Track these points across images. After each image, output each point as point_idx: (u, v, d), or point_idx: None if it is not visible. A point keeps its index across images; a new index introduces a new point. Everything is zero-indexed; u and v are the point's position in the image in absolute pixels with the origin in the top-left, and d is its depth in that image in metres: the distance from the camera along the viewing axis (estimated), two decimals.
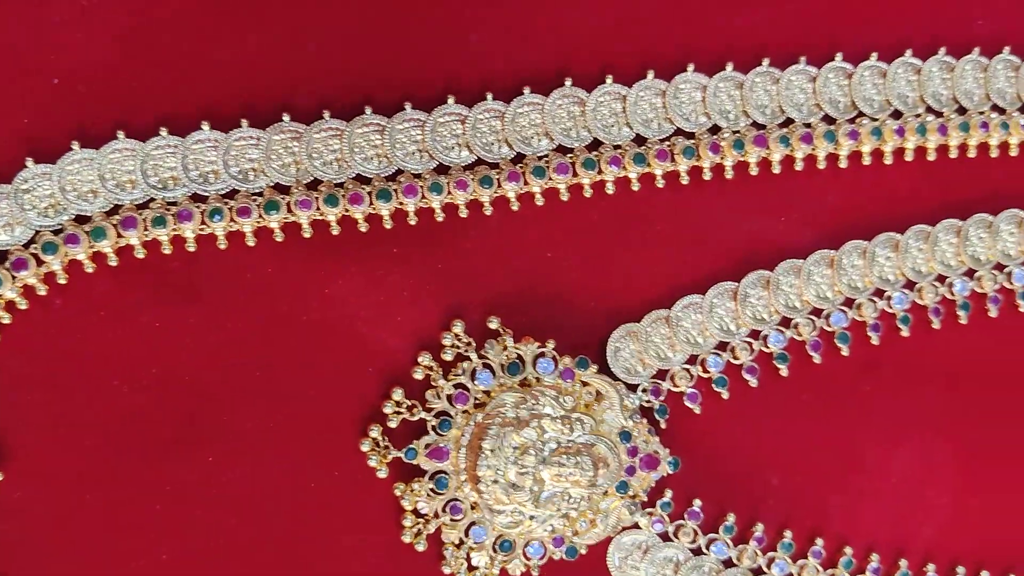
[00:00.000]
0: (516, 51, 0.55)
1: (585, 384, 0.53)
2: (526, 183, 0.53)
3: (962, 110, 0.60)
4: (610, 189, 0.54)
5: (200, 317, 0.51)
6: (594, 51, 0.56)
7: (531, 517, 0.51)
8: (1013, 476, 0.59)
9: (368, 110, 0.52)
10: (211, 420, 0.50)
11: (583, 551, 0.53)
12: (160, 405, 0.50)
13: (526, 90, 0.53)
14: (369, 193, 0.51)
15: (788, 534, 0.56)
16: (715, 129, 0.55)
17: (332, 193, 0.51)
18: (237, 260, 0.51)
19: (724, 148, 0.55)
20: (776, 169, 0.56)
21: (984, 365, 0.59)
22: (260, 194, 0.51)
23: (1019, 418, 0.59)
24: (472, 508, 0.52)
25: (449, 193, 0.52)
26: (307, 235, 0.51)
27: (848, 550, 0.56)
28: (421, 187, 0.52)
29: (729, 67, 0.56)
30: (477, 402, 0.52)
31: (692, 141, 0.55)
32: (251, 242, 0.51)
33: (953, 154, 0.59)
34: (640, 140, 0.55)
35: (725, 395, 0.55)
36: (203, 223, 0.50)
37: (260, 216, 0.50)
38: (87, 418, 0.50)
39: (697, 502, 0.54)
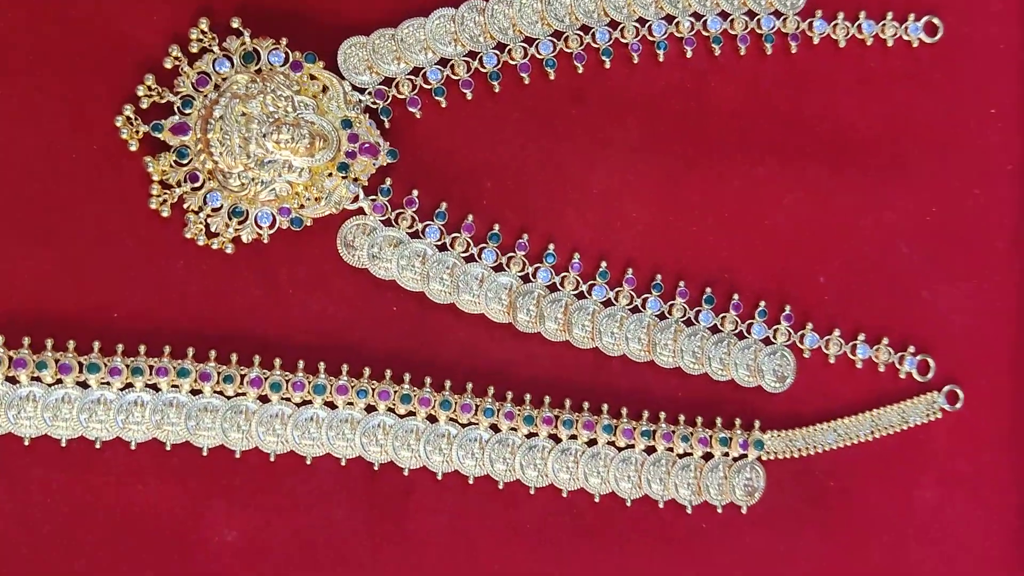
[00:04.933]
0: None
1: (313, 78, 0.62)
2: None
3: None
4: None
5: None
6: None
7: (257, 181, 0.60)
8: (704, 198, 0.67)
9: None
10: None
11: (308, 223, 0.61)
12: None
13: None
14: None
15: (496, 226, 0.65)
16: None
17: None
18: None
19: None
20: None
21: (680, 100, 0.67)
22: None
23: (708, 149, 0.66)
24: (209, 177, 0.61)
25: None
26: None
27: (551, 246, 0.65)
28: None
29: None
30: (216, 87, 0.61)
31: None
32: None
33: None
34: None
35: (444, 103, 0.64)
36: None
37: None
38: None
39: (415, 192, 0.63)
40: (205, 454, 0.61)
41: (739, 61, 0.68)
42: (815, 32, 0.69)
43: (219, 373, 0.61)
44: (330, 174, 0.62)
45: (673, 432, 0.66)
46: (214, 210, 0.61)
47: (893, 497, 0.70)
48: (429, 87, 0.64)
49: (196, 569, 0.62)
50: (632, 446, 0.66)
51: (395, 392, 0.63)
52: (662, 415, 0.66)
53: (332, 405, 0.62)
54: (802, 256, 0.69)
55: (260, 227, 0.61)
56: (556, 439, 0.65)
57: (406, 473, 0.63)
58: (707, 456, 0.67)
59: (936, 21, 0.71)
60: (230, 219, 0.61)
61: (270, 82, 0.60)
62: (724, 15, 0.67)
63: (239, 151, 0.59)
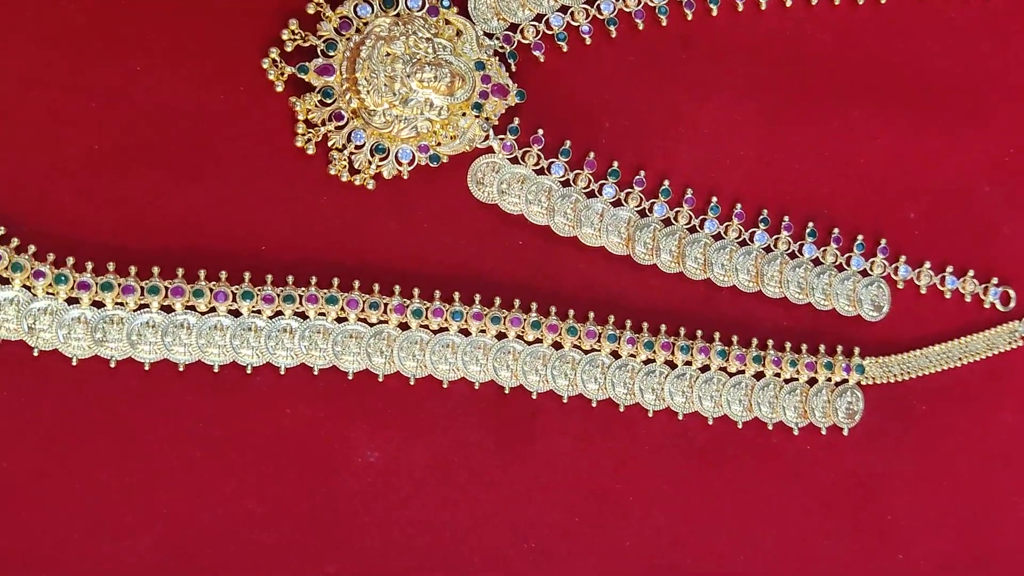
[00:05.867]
0: None
1: (448, 22, 0.65)
2: None
3: None
4: None
5: None
6: None
7: (400, 119, 0.63)
8: (804, 138, 0.71)
9: None
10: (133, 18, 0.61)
11: (445, 160, 0.65)
12: (95, 17, 0.60)
13: None
14: None
15: (615, 163, 0.68)
16: None
17: None
18: None
19: None
20: None
21: (780, 45, 0.71)
22: None
23: (806, 92, 0.70)
24: (353, 116, 0.64)
25: None
26: None
27: (666, 182, 0.69)
28: None
29: None
30: (358, 31, 0.64)
31: None
32: None
33: None
34: None
35: (565, 48, 0.68)
36: None
37: None
38: None
39: (540, 131, 0.67)
40: (351, 378, 0.65)
41: (833, 10, 0.72)
42: None
43: (363, 301, 0.65)
44: (463, 113, 0.65)
45: (781, 358, 0.71)
46: (357, 147, 0.64)
47: (978, 420, 0.75)
48: (551, 32, 0.67)
49: (341, 488, 0.65)
50: (743, 371, 0.70)
51: (525, 320, 0.67)
52: (770, 342, 0.71)
53: (466, 332, 0.66)
54: (894, 193, 0.73)
55: (400, 163, 0.65)
56: (672, 365, 0.69)
57: (534, 396, 0.67)
58: (811, 381, 0.71)
59: None
60: (372, 156, 0.65)
61: (410, 25, 0.64)
62: None
63: (385, 89, 0.63)
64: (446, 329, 0.66)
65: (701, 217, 0.69)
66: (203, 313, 0.63)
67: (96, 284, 0.61)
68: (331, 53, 0.63)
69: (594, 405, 0.67)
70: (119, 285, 0.62)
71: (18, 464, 0.61)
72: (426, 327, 0.65)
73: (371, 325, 0.65)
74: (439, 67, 0.63)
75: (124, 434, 0.62)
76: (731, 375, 0.69)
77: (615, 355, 0.68)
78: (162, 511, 0.63)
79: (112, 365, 0.62)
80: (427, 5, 0.64)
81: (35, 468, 0.61)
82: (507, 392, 0.66)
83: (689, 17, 0.70)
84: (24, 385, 0.61)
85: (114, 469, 0.62)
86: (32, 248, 0.61)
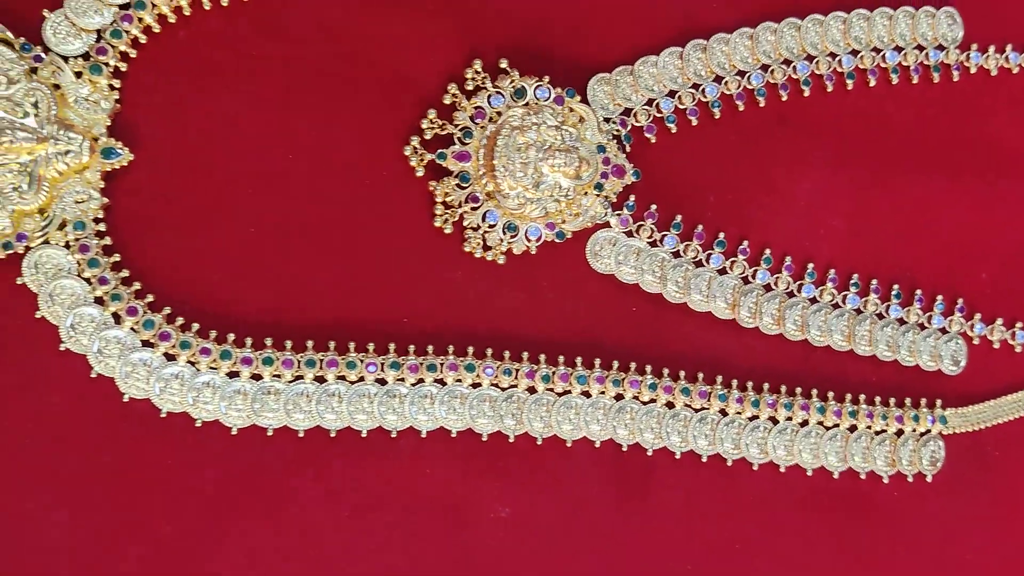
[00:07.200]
0: None
1: (572, 110, 0.70)
2: None
3: None
4: None
5: (286, 50, 0.68)
6: None
7: (531, 201, 0.68)
8: (888, 207, 0.77)
9: None
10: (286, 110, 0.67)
11: (569, 235, 0.70)
12: (254, 111, 0.66)
13: None
14: None
15: (721, 235, 0.74)
16: None
17: None
18: (316, 6, 0.68)
19: None
20: None
21: (865, 122, 0.77)
22: None
23: (889, 164, 0.77)
24: (487, 198, 0.69)
25: None
26: None
27: (767, 251, 0.75)
28: None
29: None
30: (491, 120, 0.69)
31: None
32: None
33: None
34: None
35: (674, 130, 0.73)
36: None
37: None
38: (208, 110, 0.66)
39: (653, 206, 0.73)
40: (485, 439, 0.70)
41: (911, 88, 0.79)
42: (972, 62, 0.80)
43: (498, 368, 0.70)
44: (586, 192, 0.70)
45: (873, 412, 0.76)
46: (491, 226, 0.69)
47: None
48: (661, 115, 0.73)
49: (476, 541, 0.70)
50: (837, 425, 0.75)
51: (641, 381, 0.72)
52: (861, 397, 0.76)
53: (587, 394, 0.71)
54: (968, 256, 0.79)
55: (529, 240, 0.70)
56: (774, 421, 0.74)
57: (649, 453, 0.72)
58: (899, 432, 0.77)
59: None
60: (504, 234, 0.70)
61: (540, 114, 0.69)
62: (898, 49, 0.78)
63: (520, 175, 0.68)
64: (569, 391, 0.71)
65: (799, 282, 0.75)
66: (352, 382, 0.68)
67: (257, 359, 0.67)
68: (467, 140, 0.69)
69: (704, 460, 0.73)
70: (279, 359, 0.67)
71: (183, 526, 0.66)
72: (551, 390, 0.71)
73: (503, 389, 0.70)
74: (568, 153, 0.68)
75: (279, 496, 0.67)
76: (827, 428, 0.76)
77: (723, 413, 0.74)
78: (314, 568, 0.68)
79: (269, 433, 0.67)
80: (553, 95, 0.70)
81: (197, 530, 0.66)
82: (625, 449, 0.72)
83: (784, 98, 0.75)
84: (187, 452, 0.66)
85: (271, 529, 0.67)
86: (196, 326, 0.66)
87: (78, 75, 0.66)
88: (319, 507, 0.68)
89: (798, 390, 0.74)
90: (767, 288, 0.74)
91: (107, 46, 0.66)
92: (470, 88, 0.69)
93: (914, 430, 0.76)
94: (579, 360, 0.70)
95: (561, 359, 0.70)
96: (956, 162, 0.79)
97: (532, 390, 0.70)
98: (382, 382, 0.68)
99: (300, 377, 0.67)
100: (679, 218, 0.73)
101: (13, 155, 0.64)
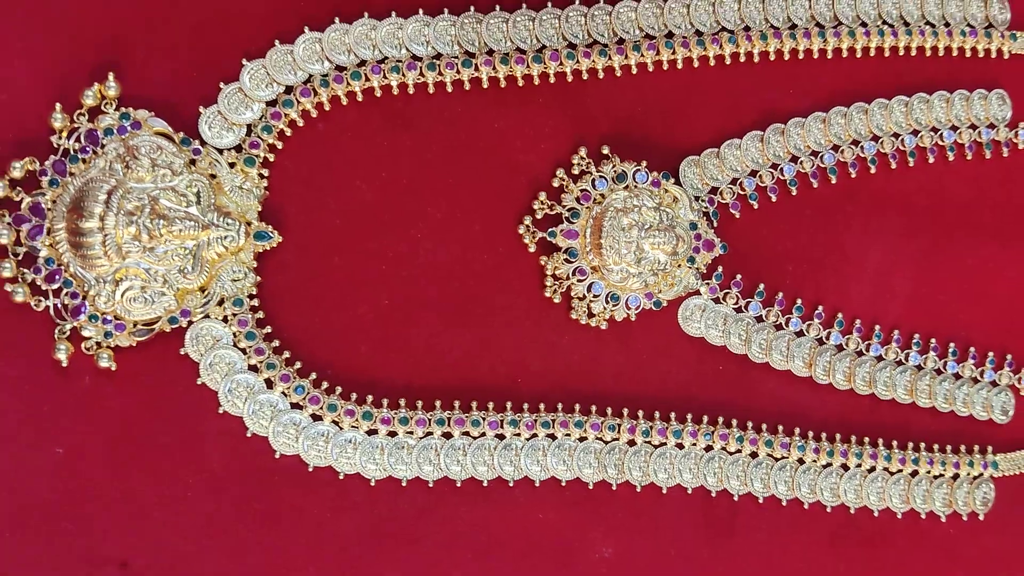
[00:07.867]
0: None
1: (667, 191, 0.78)
2: (627, 57, 0.78)
3: (905, 23, 0.86)
4: (679, 65, 0.79)
5: (413, 140, 0.76)
6: None
7: (633, 275, 0.76)
8: (948, 273, 0.84)
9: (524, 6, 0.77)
10: (413, 195, 0.75)
11: (664, 304, 0.78)
12: (385, 195, 0.74)
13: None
14: (526, 57, 0.76)
15: (799, 300, 0.82)
16: (746, 28, 0.80)
17: (504, 56, 0.75)
18: (439, 101, 0.76)
19: (753, 39, 0.80)
20: (786, 57, 0.82)
21: (925, 195, 0.85)
22: (457, 56, 0.75)
23: (948, 234, 0.84)
24: (593, 271, 0.76)
25: (577, 61, 0.77)
26: (485, 86, 0.76)
27: (840, 315, 0.82)
28: (560, 55, 0.76)
29: None
30: (596, 201, 0.76)
31: (733, 35, 0.80)
32: (449, 89, 0.75)
33: (900, 53, 0.85)
34: (698, 32, 0.80)
35: (755, 206, 0.81)
36: (420, 73, 0.74)
37: (457, 70, 0.75)
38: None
39: (739, 276, 0.80)
40: (591, 487, 0.77)
41: (966, 164, 0.87)
42: (1020, 139, 0.87)
43: (603, 423, 0.77)
44: (679, 265, 0.78)
45: (933, 458, 0.83)
46: (595, 296, 0.77)
47: None
48: (744, 193, 0.81)
49: None
50: (901, 471, 0.83)
51: (729, 434, 0.79)
52: (922, 445, 0.84)
53: (680, 446, 0.79)
54: (1017, 315, 0.87)
55: (629, 308, 0.78)
56: (845, 467, 0.82)
57: (735, 498, 0.80)
58: (955, 476, 0.84)
59: None
60: (607, 303, 0.77)
61: (640, 197, 0.76)
62: (954, 128, 0.86)
63: (624, 252, 0.75)
64: (665, 443, 0.79)
65: (867, 342, 0.83)
66: (474, 437, 0.76)
67: (394, 419, 0.74)
68: (574, 220, 0.77)
69: (784, 504, 0.81)
70: (412, 419, 0.74)
71: (326, 567, 0.74)
72: (648, 443, 0.79)
73: (606, 443, 0.78)
74: (667, 232, 0.76)
75: (410, 540, 0.75)
76: (892, 474, 0.83)
77: (800, 461, 0.81)
78: None
79: (403, 484, 0.74)
80: (651, 178, 0.78)
81: (341, 570, 0.74)
82: (714, 495, 0.79)
83: (853, 175, 0.83)
84: (331, 501, 0.74)
85: (403, 570, 0.75)
86: (339, 389, 0.74)
87: (231, 165, 0.74)
88: (446, 548, 0.76)
89: (866, 439, 0.82)
90: (839, 348, 0.82)
91: (258, 139, 0.75)
92: (576, 172, 0.77)
93: (968, 474, 0.85)
94: (673, 415, 0.79)
95: (657, 414, 0.78)
96: (1008, 230, 0.87)
97: (632, 443, 0.78)
98: (500, 437, 0.76)
99: (430, 433, 0.75)
100: (762, 286, 0.81)
101: (179, 241, 0.72)
